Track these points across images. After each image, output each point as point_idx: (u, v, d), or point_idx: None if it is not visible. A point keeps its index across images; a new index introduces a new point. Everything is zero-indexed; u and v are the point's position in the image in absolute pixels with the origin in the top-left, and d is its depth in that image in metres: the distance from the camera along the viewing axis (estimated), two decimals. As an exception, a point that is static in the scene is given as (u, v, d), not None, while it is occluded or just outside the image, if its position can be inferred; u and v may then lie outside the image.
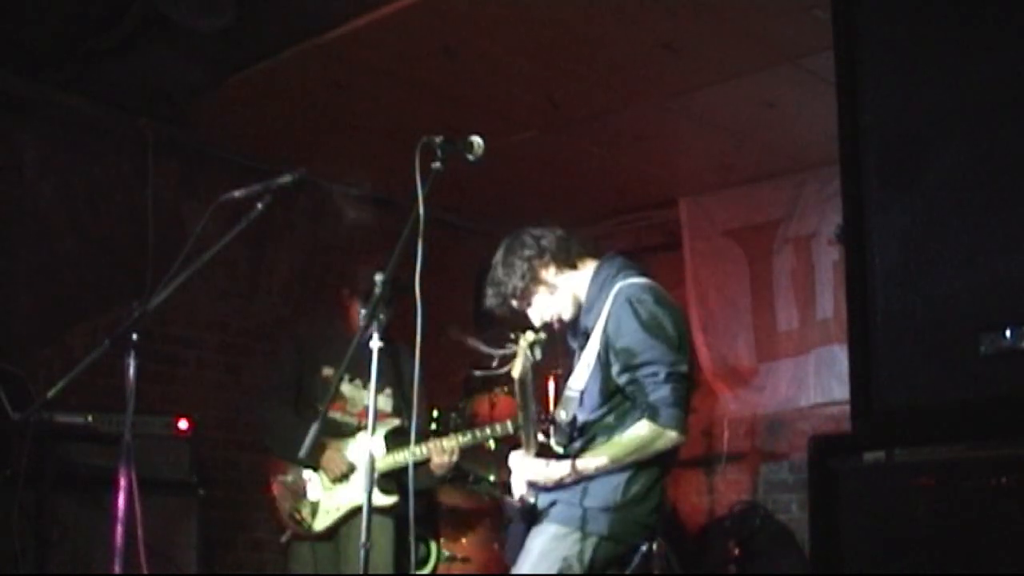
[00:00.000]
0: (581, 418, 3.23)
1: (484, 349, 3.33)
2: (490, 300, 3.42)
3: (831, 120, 2.09)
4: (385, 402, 4.56)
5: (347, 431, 4.54)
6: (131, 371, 3.09)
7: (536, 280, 3.34)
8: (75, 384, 3.18)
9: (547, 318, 3.38)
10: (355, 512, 4.38)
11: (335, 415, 4.52)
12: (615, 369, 3.17)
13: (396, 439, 4.45)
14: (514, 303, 3.37)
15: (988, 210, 1.85)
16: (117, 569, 3.01)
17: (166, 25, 4.52)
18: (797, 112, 5.24)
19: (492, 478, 5.46)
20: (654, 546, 5.30)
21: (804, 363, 6.14)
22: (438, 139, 3.02)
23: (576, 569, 3.07)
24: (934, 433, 1.89)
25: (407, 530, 4.43)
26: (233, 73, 5.07)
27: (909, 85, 1.99)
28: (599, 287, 3.30)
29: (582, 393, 3.24)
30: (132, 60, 4.88)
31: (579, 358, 3.31)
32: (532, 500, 3.24)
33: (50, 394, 3.20)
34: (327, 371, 4.58)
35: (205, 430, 5.17)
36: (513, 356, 3.09)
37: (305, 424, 4.44)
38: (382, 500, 4.29)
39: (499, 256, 3.42)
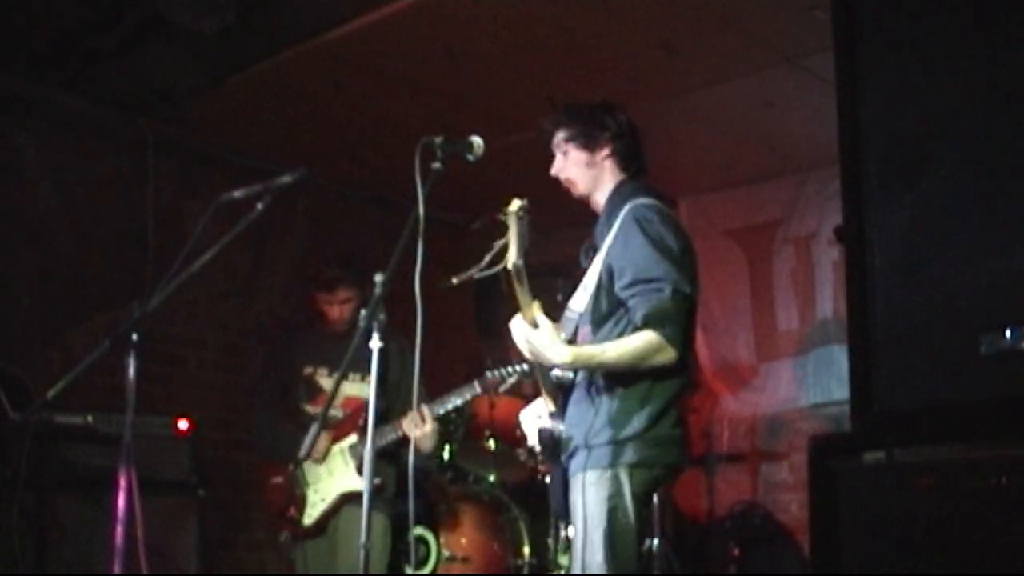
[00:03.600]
0: (580, 339, 3.21)
1: (477, 267, 3.25)
2: (547, 123, 3.42)
3: (831, 120, 2.09)
4: (364, 390, 4.52)
5: (330, 423, 4.57)
6: (131, 371, 3.09)
7: (592, 145, 3.36)
8: (75, 384, 3.18)
9: (564, 174, 3.39)
10: (342, 502, 4.44)
11: (317, 409, 4.55)
12: (619, 284, 3.14)
13: (378, 424, 4.40)
14: (558, 138, 3.38)
15: (988, 210, 1.85)
16: (117, 569, 3.01)
17: (166, 25, 4.52)
18: (797, 112, 5.24)
19: (492, 478, 5.46)
20: (654, 546, 5.32)
21: (804, 363, 6.14)
22: (438, 139, 3.02)
23: (623, 504, 3.07)
24: (934, 433, 1.89)
25: (406, 529, 4.45)
26: (233, 73, 5.07)
27: (909, 85, 1.99)
28: (613, 205, 3.31)
29: (581, 315, 3.24)
30: (132, 60, 4.88)
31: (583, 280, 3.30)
32: (553, 429, 3.23)
33: (50, 394, 3.20)
34: (307, 369, 4.68)
35: (205, 430, 5.16)
36: (504, 248, 3.01)
37: (285, 426, 4.56)
38: (360, 483, 4.26)
39: (591, 104, 3.42)
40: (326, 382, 4.63)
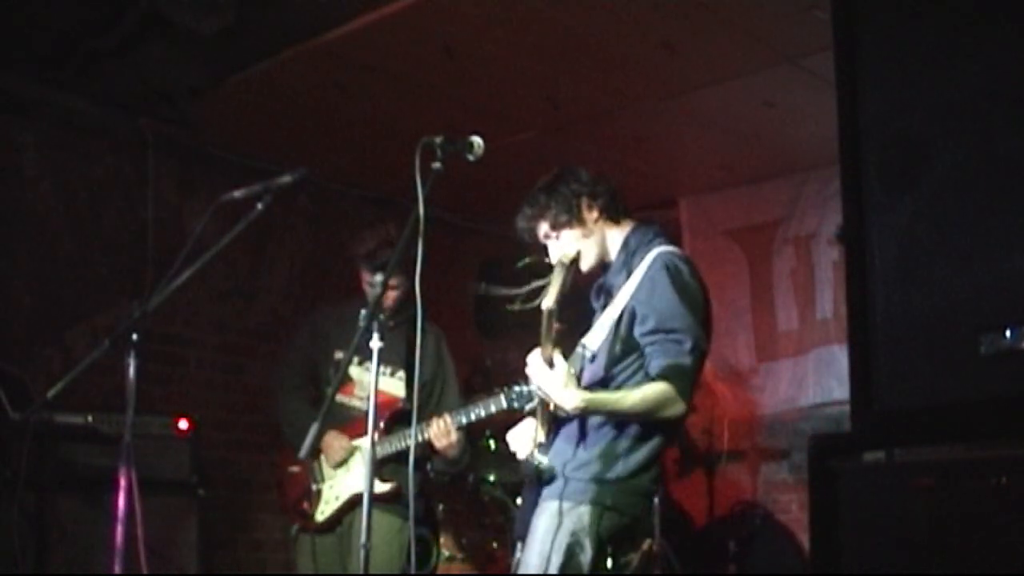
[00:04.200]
0: (587, 377, 3.21)
1: (507, 292, 3.30)
2: (522, 221, 3.35)
3: (831, 120, 2.09)
4: (396, 386, 4.44)
5: (356, 415, 4.39)
6: (131, 371, 3.09)
7: (577, 217, 3.30)
8: (75, 384, 3.18)
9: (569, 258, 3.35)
10: (355, 502, 4.29)
11: (344, 399, 4.42)
12: (640, 329, 3.13)
13: (404, 424, 4.31)
14: (543, 230, 3.32)
15: (988, 210, 1.85)
16: (117, 569, 3.01)
17: (166, 25, 4.52)
18: (797, 112, 5.25)
19: (492, 478, 5.46)
20: (654, 546, 5.32)
21: (804, 363, 6.15)
22: (438, 139, 3.02)
23: (585, 542, 3.07)
24: (934, 433, 1.89)
25: (407, 529, 4.41)
26: (233, 73, 5.07)
27: (909, 85, 1.99)
28: (633, 249, 3.28)
29: (594, 355, 3.22)
30: (132, 60, 4.87)
31: (598, 318, 3.28)
32: (538, 462, 3.23)
33: (50, 394, 3.20)
34: (339, 354, 4.45)
35: (205, 430, 5.16)
36: (544, 287, 3.07)
37: (311, 414, 4.37)
38: (381, 487, 4.18)
39: (546, 181, 3.35)
40: (355, 371, 4.43)
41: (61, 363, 5.17)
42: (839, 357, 5.87)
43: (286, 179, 3.20)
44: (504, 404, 4.15)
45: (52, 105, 5.29)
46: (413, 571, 4.24)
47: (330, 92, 5.22)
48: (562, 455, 3.19)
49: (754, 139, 5.74)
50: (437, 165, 3.01)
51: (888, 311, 1.94)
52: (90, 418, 4.53)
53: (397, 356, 4.34)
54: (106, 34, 4.68)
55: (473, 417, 4.21)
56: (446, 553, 5.20)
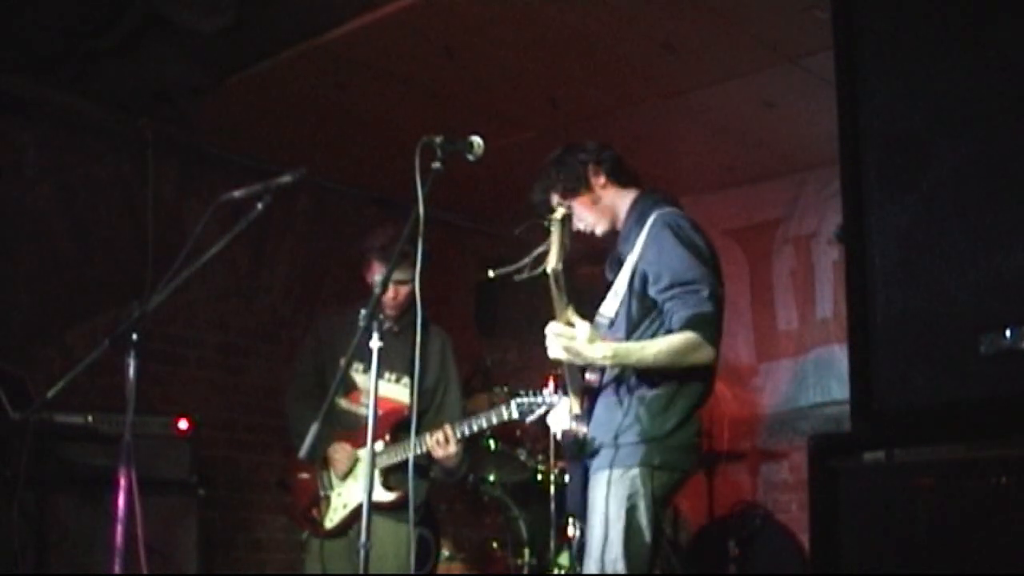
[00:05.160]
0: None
1: (515, 266, 3.30)
2: (536, 194, 3.42)
3: (831, 120, 2.09)
4: (401, 393, 4.42)
5: (364, 423, 4.40)
6: (131, 371, 3.09)
7: (586, 184, 3.38)
8: (75, 384, 3.18)
9: (581, 225, 3.42)
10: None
11: (351, 406, 4.44)
12: (655, 288, 3.19)
13: (409, 431, 4.33)
14: (555, 201, 3.37)
15: (988, 210, 1.85)
16: (117, 569, 3.01)
17: (166, 25, 4.52)
18: (797, 112, 5.25)
19: (492, 478, 5.46)
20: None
21: (804, 363, 6.15)
22: (438, 139, 3.03)
23: (641, 504, 3.11)
24: (934, 433, 1.89)
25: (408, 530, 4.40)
26: (233, 73, 5.07)
27: (909, 85, 1.99)
28: (638, 215, 3.35)
29: (612, 320, 3.29)
30: (132, 60, 4.87)
31: (613, 287, 3.35)
32: (580, 433, 3.26)
33: (50, 394, 3.21)
34: (343, 360, 4.45)
35: (205, 430, 5.16)
36: (544, 252, 3.08)
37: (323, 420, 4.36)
38: (384, 496, 4.20)
39: (555, 155, 3.44)
40: (361, 379, 4.41)
41: (61, 363, 5.17)
42: (839, 357, 5.87)
43: (286, 179, 3.20)
44: (506, 416, 4.14)
45: (52, 105, 5.29)
46: (413, 571, 4.24)
47: (330, 92, 5.22)
48: (606, 424, 3.23)
49: (754, 139, 5.74)
50: (437, 165, 3.02)
51: (888, 311, 1.94)
52: (90, 418, 4.53)
53: (402, 362, 4.33)
54: (106, 34, 4.67)
55: (476, 428, 4.21)
56: (446, 553, 5.20)
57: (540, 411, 4.11)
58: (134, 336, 3.09)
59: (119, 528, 3.04)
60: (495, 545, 5.42)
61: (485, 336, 6.95)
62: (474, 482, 5.45)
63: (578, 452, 3.28)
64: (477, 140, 3.10)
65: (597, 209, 3.40)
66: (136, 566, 3.18)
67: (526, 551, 5.16)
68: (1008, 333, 1.78)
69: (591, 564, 3.12)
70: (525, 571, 5.11)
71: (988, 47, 1.89)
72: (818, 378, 6.05)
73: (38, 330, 5.27)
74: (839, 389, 5.81)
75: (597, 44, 4.72)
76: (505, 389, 5.37)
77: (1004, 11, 1.88)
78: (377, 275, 4.32)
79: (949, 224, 1.89)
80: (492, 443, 5.47)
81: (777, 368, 6.27)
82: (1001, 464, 1.77)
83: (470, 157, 3.10)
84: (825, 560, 1.97)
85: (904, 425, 1.92)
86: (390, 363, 4.27)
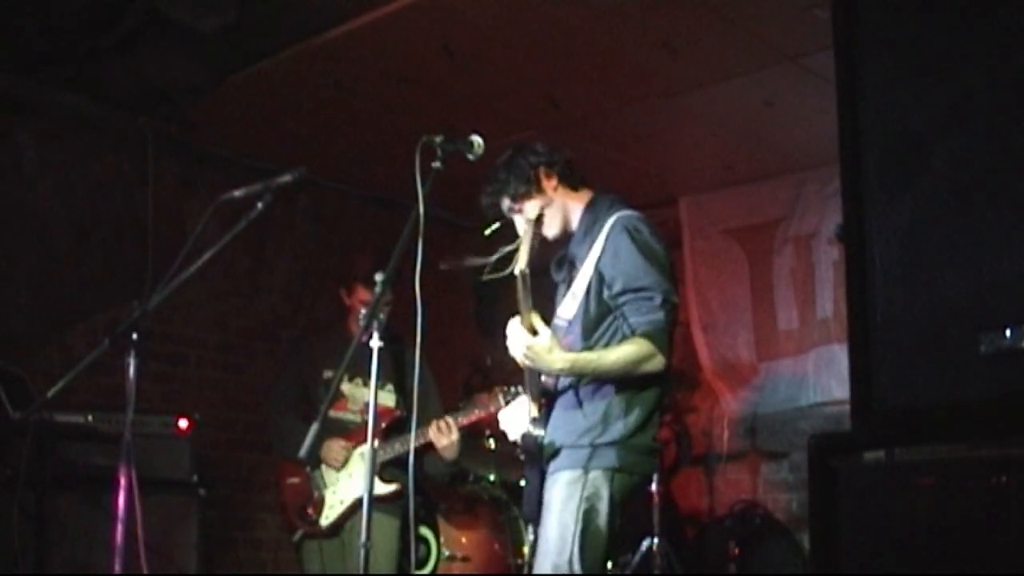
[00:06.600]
0: (566, 346, 3.23)
1: (479, 261, 3.31)
2: (486, 198, 3.40)
3: (831, 120, 2.08)
4: (387, 397, 4.61)
5: (352, 428, 4.58)
6: (131, 371, 3.09)
7: (537, 188, 3.35)
8: (75, 384, 3.19)
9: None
10: (359, 506, 4.30)
11: (338, 414, 4.58)
12: (609, 292, 3.19)
13: (400, 431, 4.49)
14: (506, 204, 3.37)
15: (988, 210, 1.85)
16: (117, 569, 3.01)
17: (166, 25, 4.52)
18: (797, 112, 5.25)
19: (492, 478, 5.46)
20: (654, 546, 5.32)
21: (804, 362, 6.14)
22: (438, 139, 3.03)
23: (600, 506, 3.10)
24: (934, 433, 1.88)
25: (408, 529, 4.46)
26: (233, 73, 5.07)
27: (909, 85, 1.98)
28: (593, 218, 3.33)
29: (570, 323, 3.28)
30: (132, 60, 4.87)
31: (565, 290, 3.34)
32: (537, 436, 3.25)
33: (50, 394, 3.21)
34: (328, 374, 4.62)
35: (205, 429, 5.16)
36: (511, 253, 3.08)
37: (307, 428, 4.46)
38: (383, 488, 4.31)
39: (504, 158, 3.41)
40: (346, 387, 4.61)
41: (61, 363, 5.17)
42: (839, 356, 5.87)
43: (286, 179, 3.21)
44: (501, 403, 4.23)
45: (52, 105, 5.29)
46: (413, 571, 4.28)
47: (330, 92, 5.22)
48: (562, 427, 3.23)
49: (754, 139, 5.74)
50: (437, 164, 3.02)
51: (888, 311, 1.94)
52: (90, 417, 4.54)
53: (385, 370, 4.44)
54: (106, 33, 4.67)
55: (473, 417, 4.39)
56: (446, 553, 5.19)
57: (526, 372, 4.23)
58: (134, 335, 3.09)
59: (119, 527, 3.04)
60: (495, 545, 5.41)
61: (485, 336, 6.95)
62: (474, 482, 5.46)
63: (535, 453, 3.27)
64: (477, 139, 3.10)
65: (548, 212, 3.37)
66: (136, 566, 3.18)
67: (526, 551, 5.15)
68: (1008, 333, 1.78)
69: (546, 565, 3.11)
70: (525, 571, 5.11)
71: (988, 47, 1.89)
72: (818, 378, 6.05)
73: (38, 330, 5.27)
74: (839, 389, 5.81)
75: (597, 44, 4.72)
76: (505, 389, 5.38)
77: (1004, 12, 1.88)
78: (363, 301, 4.50)
79: (949, 224, 1.89)
80: (492, 443, 5.47)
81: (777, 368, 6.27)
82: (1001, 464, 1.77)
83: (470, 156, 3.11)
84: (825, 560, 1.97)
85: (904, 425, 1.92)
86: (358, 367, 4.36)
